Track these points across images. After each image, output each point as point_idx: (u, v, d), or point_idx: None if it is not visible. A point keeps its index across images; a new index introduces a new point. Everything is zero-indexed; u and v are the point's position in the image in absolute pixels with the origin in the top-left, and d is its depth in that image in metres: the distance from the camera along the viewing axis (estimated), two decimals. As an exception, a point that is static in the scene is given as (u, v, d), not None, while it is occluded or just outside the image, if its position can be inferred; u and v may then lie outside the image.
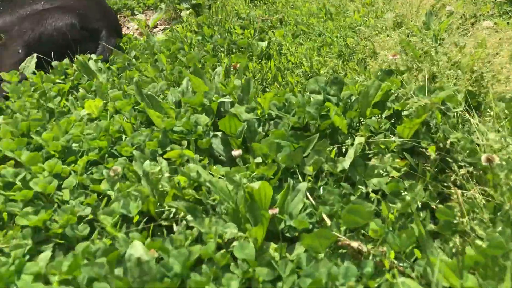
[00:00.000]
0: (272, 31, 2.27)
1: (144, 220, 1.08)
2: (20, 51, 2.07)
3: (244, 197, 1.04)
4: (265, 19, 2.57)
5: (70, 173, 1.26)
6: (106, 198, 1.15)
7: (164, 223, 1.10)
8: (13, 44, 2.10)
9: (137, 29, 2.95)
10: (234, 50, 2.12)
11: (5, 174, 1.20)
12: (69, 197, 1.16)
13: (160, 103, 1.48)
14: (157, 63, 1.93)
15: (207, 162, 1.26)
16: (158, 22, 3.04)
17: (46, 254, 0.90)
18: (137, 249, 0.86)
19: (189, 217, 1.01)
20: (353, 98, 1.42)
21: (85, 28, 2.21)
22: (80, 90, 1.74)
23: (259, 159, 1.20)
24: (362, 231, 1.03)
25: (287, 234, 1.04)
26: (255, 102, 1.45)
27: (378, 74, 1.41)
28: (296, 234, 1.05)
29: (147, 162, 1.22)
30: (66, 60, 1.99)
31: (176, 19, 3.17)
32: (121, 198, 1.10)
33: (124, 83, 1.81)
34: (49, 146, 1.32)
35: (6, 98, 1.75)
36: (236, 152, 1.15)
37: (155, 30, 3.02)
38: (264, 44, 2.12)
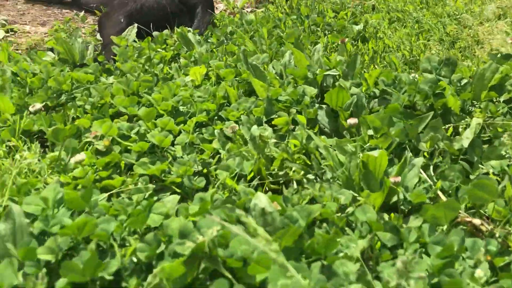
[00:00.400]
0: (369, 15, 2.23)
1: (255, 180, 1.09)
2: (122, 20, 2.17)
3: (358, 166, 1.03)
4: (357, 4, 2.53)
5: (180, 132, 1.30)
6: (217, 156, 1.18)
7: (272, 186, 1.11)
8: (115, 15, 2.20)
9: (225, 10, 3.00)
10: (326, 32, 2.10)
11: (121, 127, 1.26)
12: (182, 153, 1.20)
13: (263, 73, 1.49)
14: (253, 38, 1.95)
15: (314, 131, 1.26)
16: (245, 4, 3.07)
17: (174, 197, 0.93)
18: (262, 200, 0.87)
19: (306, 179, 1.01)
20: (464, 81, 1.37)
21: (183, 3, 2.28)
22: (181, 59, 1.79)
23: (370, 132, 1.19)
24: (480, 211, 0.99)
25: (401, 207, 1.02)
26: (359, 78, 1.43)
27: (498, 56, 1.34)
28: (410, 207, 1.02)
29: (255, 126, 1.24)
30: (166, 31, 2.05)
31: (262, 2, 3.19)
32: (233, 156, 1.12)
33: (220, 56, 1.84)
34: (160, 105, 1.37)
35: (113, 61, 1.84)
36: (352, 121, 1.14)
37: (243, 11, 3.05)
38: (359, 27, 2.08)
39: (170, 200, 0.91)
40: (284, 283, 0.63)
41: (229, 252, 0.73)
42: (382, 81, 1.36)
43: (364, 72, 1.68)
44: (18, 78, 1.62)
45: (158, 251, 0.76)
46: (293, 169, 1.04)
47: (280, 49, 1.81)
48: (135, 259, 0.73)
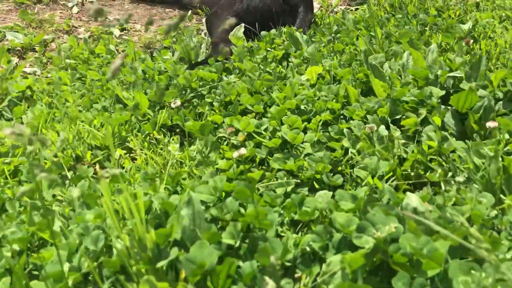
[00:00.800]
0: (479, 13, 2.17)
1: (392, 179, 1.13)
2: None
3: (499, 170, 1.04)
4: (459, 1, 2.47)
5: (304, 129, 1.35)
6: (347, 156, 1.23)
7: (404, 186, 1.14)
8: (223, 14, 2.31)
9: (320, 8, 3.03)
10: (434, 32, 2.08)
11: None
12: (311, 150, 1.25)
13: (382, 73, 1.51)
14: (360, 37, 1.97)
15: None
16: (339, 2, 3.08)
17: (326, 192, 0.99)
18: (413, 200, 0.90)
19: (446, 181, 1.03)
20: None
21: (286, 2, 2.34)
22: (293, 58, 1.85)
23: (506, 136, 1.18)
24: None
25: (545, 213, 1.02)
26: (484, 80, 1.41)
27: None
28: (554, 214, 1.01)
29: (383, 126, 1.27)
30: (273, 31, 2.13)
31: (354, 0, 3.18)
32: (367, 156, 1.16)
33: (330, 55, 1.88)
34: (283, 103, 1.44)
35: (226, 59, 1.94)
36: (492, 124, 1.14)
37: (336, 9, 3.07)
38: (467, 26, 2.04)
39: (322, 195, 0.97)
40: (464, 279, 0.66)
41: (396, 247, 0.77)
42: (511, 83, 1.34)
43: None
44: (146, 75, 1.76)
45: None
46: (439, 171, 1.06)
47: (390, 48, 1.82)
48: (308, 249, 0.80)
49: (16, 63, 1.80)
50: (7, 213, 0.99)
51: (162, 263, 0.70)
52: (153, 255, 0.71)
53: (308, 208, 0.93)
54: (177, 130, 1.50)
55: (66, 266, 0.76)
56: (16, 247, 0.85)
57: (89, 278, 0.78)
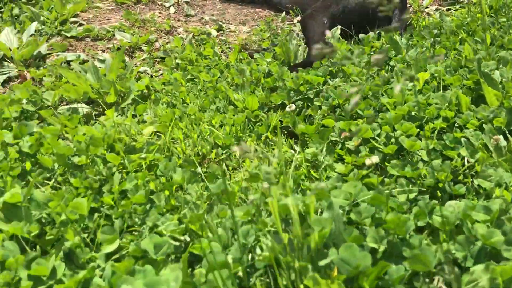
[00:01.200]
0: None
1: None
2: (325, 22, 2.31)
3: None
4: None
5: (417, 136, 1.38)
6: (466, 165, 1.24)
7: None
8: (319, 16, 2.35)
9: (410, 7, 2.99)
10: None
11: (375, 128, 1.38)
12: (427, 158, 1.28)
13: (494, 81, 1.50)
14: (466, 42, 1.94)
15: None
16: (430, 3, 3.03)
17: (457, 203, 1.02)
18: (549, 214, 0.92)
19: None
20: None
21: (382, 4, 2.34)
22: (395, 63, 1.86)
23: None
24: None
25: None
26: None
27: None
28: None
29: (501, 137, 1.27)
30: (371, 34, 2.14)
31: (446, 0, 3.11)
32: (488, 166, 1.17)
33: (428, 60, 1.88)
34: (394, 109, 1.46)
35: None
36: None
37: (427, 10, 3.02)
38: None
39: (452, 205, 1.00)
40: None
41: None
42: None
43: None
44: (253, 77, 1.84)
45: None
46: None
47: (497, 54, 1.79)
48: (450, 257, 0.84)
49: (131, 63, 1.95)
50: (155, 205, 1.10)
51: (324, 262, 0.77)
52: (315, 254, 0.78)
53: (443, 217, 0.97)
54: (285, 132, 1.57)
55: (225, 257, 0.84)
56: (175, 236, 0.95)
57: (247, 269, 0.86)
